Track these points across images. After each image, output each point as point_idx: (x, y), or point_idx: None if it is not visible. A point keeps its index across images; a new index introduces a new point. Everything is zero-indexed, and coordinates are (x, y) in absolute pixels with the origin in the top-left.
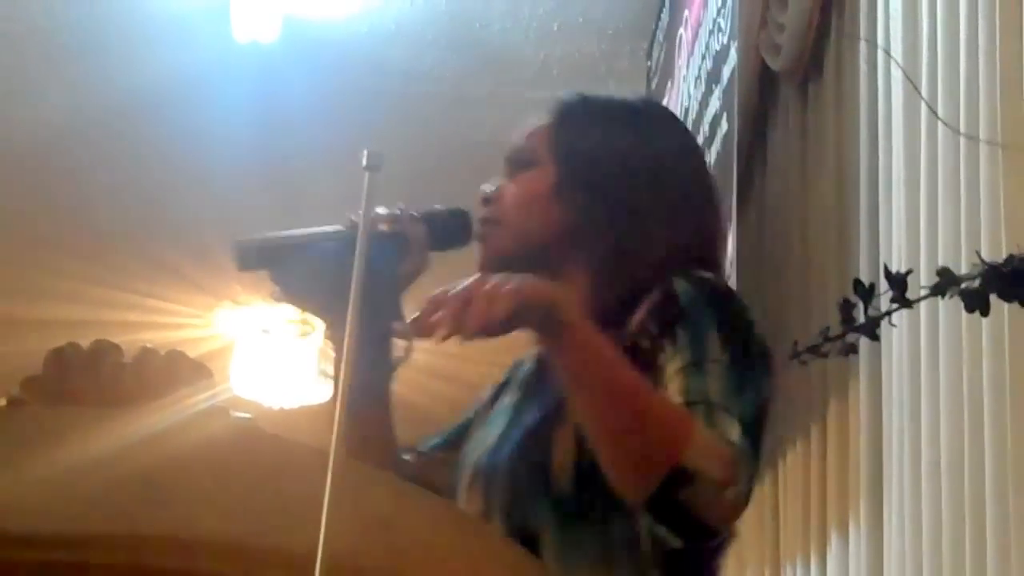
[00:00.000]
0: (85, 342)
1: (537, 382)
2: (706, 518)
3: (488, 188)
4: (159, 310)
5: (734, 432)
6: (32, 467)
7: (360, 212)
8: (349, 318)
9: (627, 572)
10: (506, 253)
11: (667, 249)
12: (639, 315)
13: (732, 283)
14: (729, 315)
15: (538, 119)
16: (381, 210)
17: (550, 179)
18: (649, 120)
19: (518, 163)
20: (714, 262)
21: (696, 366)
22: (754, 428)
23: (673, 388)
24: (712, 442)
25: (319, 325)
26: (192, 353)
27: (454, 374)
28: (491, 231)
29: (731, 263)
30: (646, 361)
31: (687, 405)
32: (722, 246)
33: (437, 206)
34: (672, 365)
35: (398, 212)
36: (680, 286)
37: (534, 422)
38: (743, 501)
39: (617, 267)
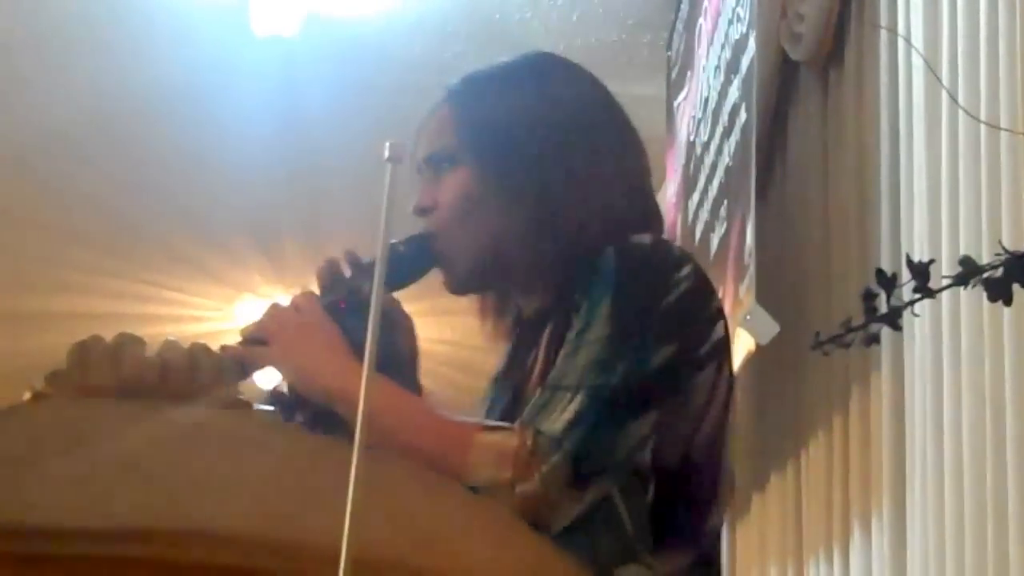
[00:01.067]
0: (108, 335)
1: (507, 369)
2: (525, 520)
3: (418, 201)
4: (180, 303)
5: (562, 416)
6: (56, 461)
7: (383, 207)
8: (373, 301)
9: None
10: (473, 265)
11: (603, 219)
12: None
13: (750, 274)
14: (634, 288)
15: (434, 112)
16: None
17: (475, 178)
18: (551, 79)
19: (436, 165)
20: (651, 214)
21: (575, 347)
22: (607, 402)
23: (551, 373)
24: (495, 447)
25: None
26: (213, 346)
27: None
28: (444, 247)
29: (750, 253)
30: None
31: (540, 388)
32: (649, 185)
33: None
34: (564, 346)
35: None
36: (604, 259)
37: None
38: (551, 485)
39: (560, 250)
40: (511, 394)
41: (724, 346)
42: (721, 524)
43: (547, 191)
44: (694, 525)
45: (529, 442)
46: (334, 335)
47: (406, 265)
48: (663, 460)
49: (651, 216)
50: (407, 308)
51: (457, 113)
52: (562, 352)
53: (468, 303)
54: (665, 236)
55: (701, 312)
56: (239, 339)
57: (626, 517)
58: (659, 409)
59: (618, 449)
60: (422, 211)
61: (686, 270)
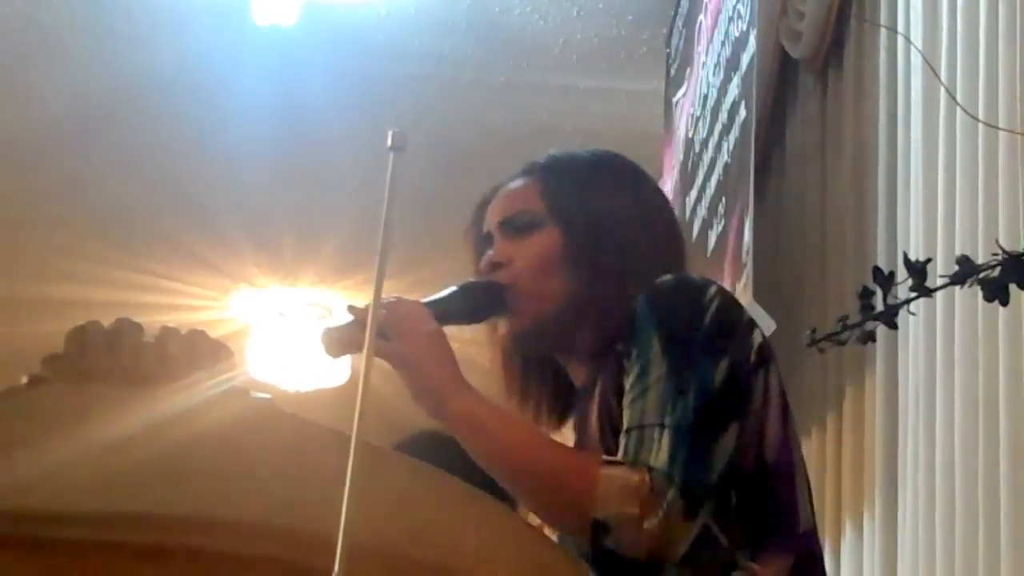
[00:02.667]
0: (106, 323)
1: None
2: (638, 555)
3: (490, 256)
4: (176, 292)
5: (661, 451)
6: (54, 445)
7: (385, 195)
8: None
9: None
10: (538, 325)
11: (642, 273)
12: (615, 349)
13: (748, 271)
14: (674, 320)
15: (514, 181)
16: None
17: (559, 241)
18: (624, 173)
19: (519, 227)
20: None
21: (641, 390)
22: (697, 428)
23: (625, 418)
24: (620, 481)
25: (335, 308)
26: (211, 335)
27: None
28: (515, 299)
29: (747, 251)
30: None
31: (626, 435)
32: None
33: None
34: (628, 393)
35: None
36: (640, 302)
37: None
38: (673, 520)
39: (612, 312)
40: None
41: (766, 349)
42: (813, 522)
43: (613, 265)
44: (785, 525)
45: (648, 479)
46: (453, 355)
47: (480, 304)
48: (740, 467)
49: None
50: (351, 299)
51: (545, 184)
52: (628, 398)
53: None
54: None
55: (738, 323)
56: (349, 315)
57: (717, 530)
58: (738, 419)
59: (715, 467)
60: (495, 266)
61: (712, 290)
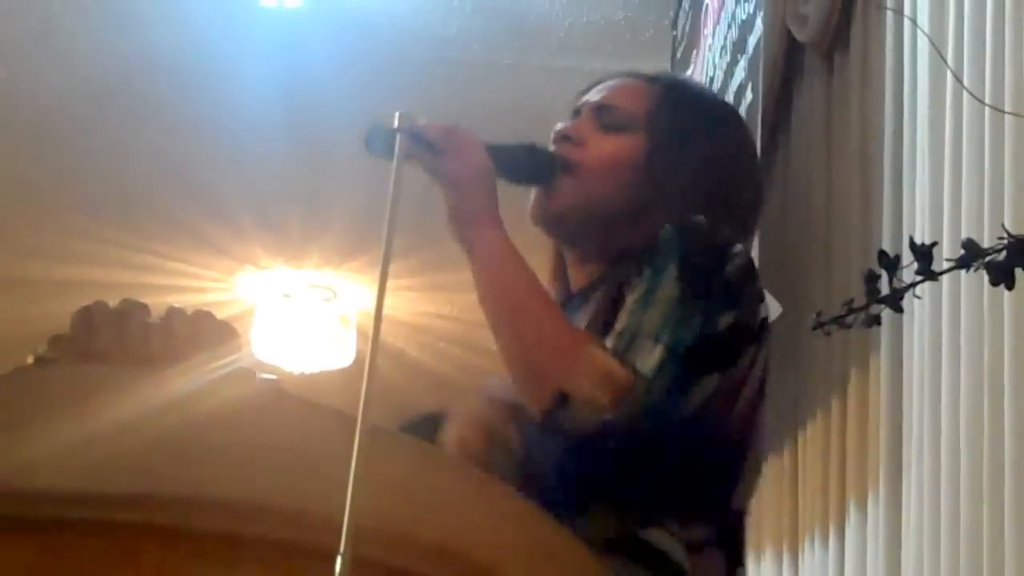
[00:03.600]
0: (111, 304)
1: None
2: (574, 440)
3: (567, 127)
4: (181, 273)
5: (650, 360)
6: (59, 425)
7: (391, 175)
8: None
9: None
10: (575, 212)
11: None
12: (625, 264)
13: (755, 252)
14: (698, 257)
15: (633, 79)
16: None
17: (642, 150)
18: (729, 119)
19: (613, 122)
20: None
21: (645, 300)
22: (688, 357)
23: (619, 321)
24: (603, 367)
25: (340, 290)
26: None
27: (477, 341)
28: (566, 180)
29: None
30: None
31: (618, 335)
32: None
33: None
34: (629, 300)
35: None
36: (667, 230)
37: None
38: (634, 427)
39: (647, 236)
40: None
41: (766, 329)
42: (746, 507)
43: (677, 200)
44: (719, 500)
45: (632, 378)
46: (496, 192)
47: (534, 168)
48: (701, 421)
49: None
50: (406, 283)
51: (655, 94)
52: (631, 307)
53: (468, 280)
54: None
55: (753, 287)
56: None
57: (651, 479)
58: (720, 373)
59: (689, 406)
60: (565, 138)
61: (738, 247)
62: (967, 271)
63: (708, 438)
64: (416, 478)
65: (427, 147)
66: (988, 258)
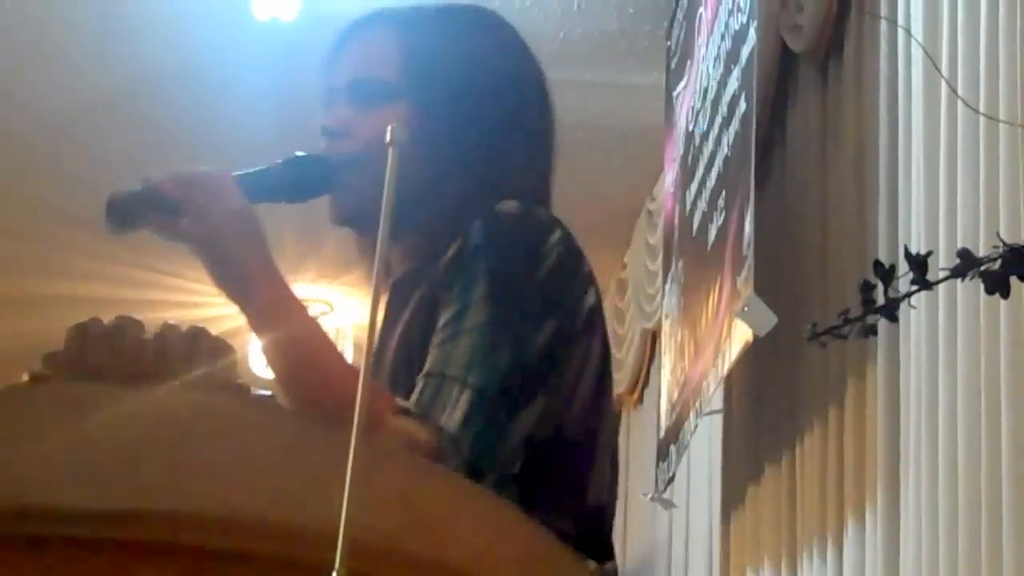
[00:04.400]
0: (107, 320)
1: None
2: None
3: (326, 120)
4: (179, 288)
5: (456, 413)
6: (55, 442)
7: (385, 189)
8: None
9: None
10: (358, 210)
11: (500, 182)
12: (441, 264)
13: (748, 265)
14: (509, 264)
15: (375, 30)
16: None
17: (412, 120)
18: (496, 38)
19: (367, 95)
20: (540, 192)
21: (453, 330)
22: (501, 395)
23: (429, 357)
24: (404, 436)
25: (337, 303)
26: (212, 332)
27: None
28: (346, 177)
29: (748, 244)
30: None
31: (425, 378)
32: (549, 178)
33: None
34: (439, 330)
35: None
36: (475, 230)
37: None
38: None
39: (450, 206)
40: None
41: (597, 313)
42: (607, 501)
43: (470, 151)
44: (567, 500)
45: (435, 440)
46: (262, 235)
47: (305, 179)
48: (534, 439)
49: (545, 194)
50: (352, 294)
51: (405, 46)
52: (439, 336)
53: None
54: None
55: (574, 280)
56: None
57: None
58: (545, 394)
59: (509, 443)
60: (331, 134)
61: (556, 235)
62: (962, 280)
63: (546, 450)
64: (411, 491)
65: (167, 209)
66: (983, 267)
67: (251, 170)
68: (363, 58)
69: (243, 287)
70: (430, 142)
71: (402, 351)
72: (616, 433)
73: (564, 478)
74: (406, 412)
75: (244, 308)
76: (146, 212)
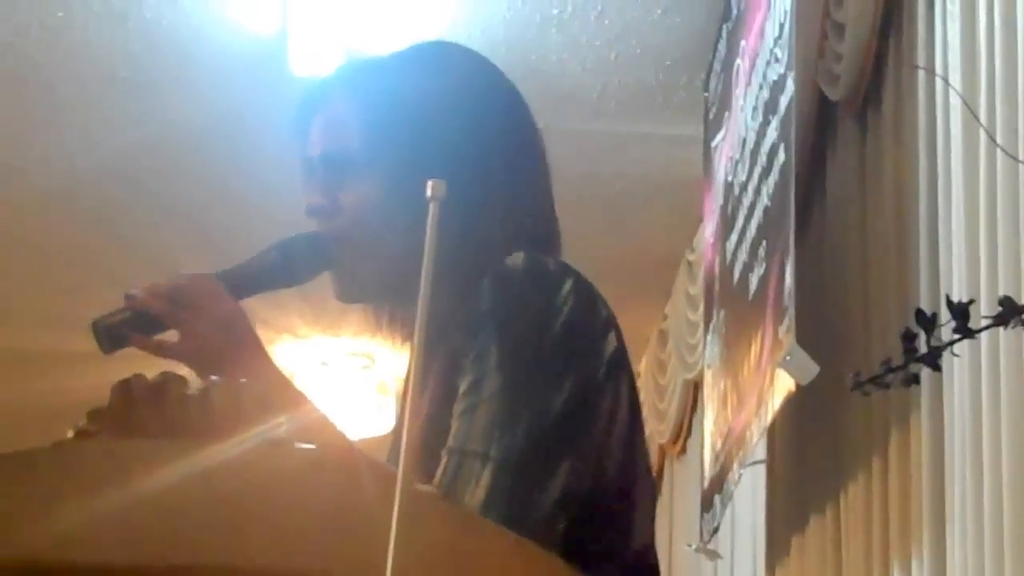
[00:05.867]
0: (150, 375)
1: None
2: None
3: (309, 200)
4: None
5: (479, 490)
6: (99, 499)
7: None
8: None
9: None
10: (371, 284)
11: (501, 234)
12: (455, 328)
13: (790, 315)
14: (514, 312)
15: (336, 104)
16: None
17: (386, 187)
18: (460, 79)
19: (339, 166)
20: (552, 233)
21: (470, 404)
22: (524, 464)
23: (451, 433)
24: None
25: (378, 357)
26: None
27: None
28: (342, 253)
29: (789, 294)
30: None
31: (448, 453)
32: (550, 200)
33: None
34: (459, 401)
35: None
36: (483, 292)
37: None
38: None
39: (458, 266)
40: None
41: (620, 356)
42: (650, 536)
43: (455, 207)
44: (617, 547)
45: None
46: (253, 338)
47: (299, 262)
48: (569, 499)
49: (551, 234)
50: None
51: (365, 110)
52: (459, 407)
53: None
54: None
55: (591, 329)
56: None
57: None
58: (573, 455)
59: (539, 512)
60: (318, 212)
61: (567, 286)
62: (1005, 328)
63: (585, 505)
64: (458, 545)
65: (153, 327)
66: None
67: (237, 265)
68: (327, 129)
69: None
70: (414, 208)
71: (429, 421)
72: (650, 471)
73: (608, 524)
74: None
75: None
76: (134, 333)
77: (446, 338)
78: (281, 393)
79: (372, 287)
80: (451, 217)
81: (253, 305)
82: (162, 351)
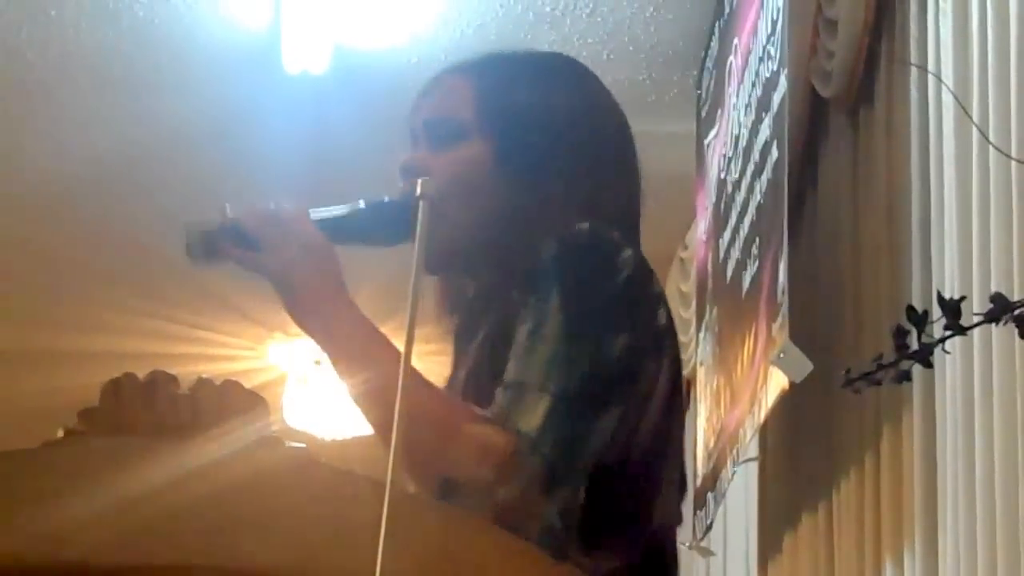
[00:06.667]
0: (141, 374)
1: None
2: (503, 524)
3: (406, 160)
4: (212, 342)
5: (534, 417)
6: (89, 498)
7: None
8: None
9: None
10: (447, 248)
11: (565, 212)
12: (515, 283)
13: (783, 312)
14: (582, 278)
15: (452, 76)
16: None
17: (487, 157)
18: (572, 79)
19: (442, 136)
20: (620, 220)
21: (530, 342)
22: (578, 401)
23: (508, 369)
24: (481, 440)
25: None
26: (245, 385)
27: None
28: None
29: (782, 291)
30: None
31: (504, 389)
32: (632, 209)
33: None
34: (517, 345)
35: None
36: (548, 246)
37: None
38: (530, 492)
39: (523, 236)
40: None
41: (668, 334)
42: (674, 521)
43: (546, 184)
44: (633, 524)
45: (514, 442)
46: (336, 269)
47: (388, 225)
48: (605, 457)
49: (631, 228)
50: (435, 348)
51: (478, 88)
52: (517, 348)
53: None
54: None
55: (645, 297)
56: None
57: (555, 515)
58: (622, 404)
59: (587, 451)
60: (408, 172)
61: (627, 253)
62: (996, 325)
63: (617, 471)
64: (447, 545)
65: (246, 242)
66: (1017, 311)
67: (331, 210)
68: (439, 100)
69: (320, 323)
70: (505, 177)
71: (479, 368)
72: (682, 463)
73: (631, 503)
74: (485, 420)
75: (325, 348)
76: (225, 245)
77: (500, 293)
78: (363, 341)
79: (453, 255)
80: (532, 192)
81: (243, 302)
82: (250, 264)
